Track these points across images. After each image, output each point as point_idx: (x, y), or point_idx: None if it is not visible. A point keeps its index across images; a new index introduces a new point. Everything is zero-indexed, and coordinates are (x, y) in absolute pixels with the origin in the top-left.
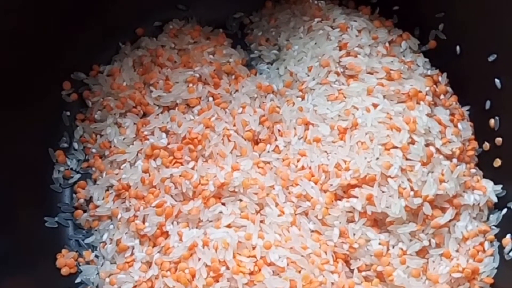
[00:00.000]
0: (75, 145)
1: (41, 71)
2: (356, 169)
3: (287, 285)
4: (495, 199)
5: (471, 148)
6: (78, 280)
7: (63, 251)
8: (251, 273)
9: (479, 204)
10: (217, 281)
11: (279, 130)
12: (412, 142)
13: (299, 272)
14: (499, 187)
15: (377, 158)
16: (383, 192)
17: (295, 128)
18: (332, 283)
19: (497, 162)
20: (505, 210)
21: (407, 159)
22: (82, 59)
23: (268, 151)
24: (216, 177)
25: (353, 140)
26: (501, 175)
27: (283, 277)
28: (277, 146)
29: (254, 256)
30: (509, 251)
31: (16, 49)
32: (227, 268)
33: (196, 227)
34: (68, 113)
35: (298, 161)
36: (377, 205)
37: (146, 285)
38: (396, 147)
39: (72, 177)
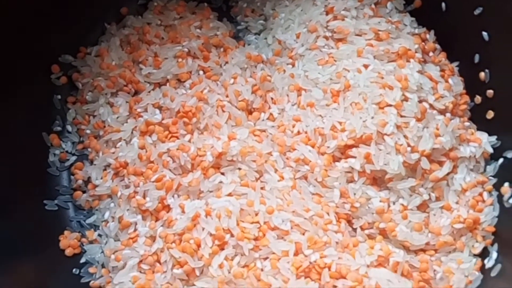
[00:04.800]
0: (69, 128)
1: (27, 56)
2: (352, 129)
3: (292, 247)
4: (490, 150)
5: (463, 102)
6: (83, 260)
7: (66, 232)
8: (256, 239)
9: (475, 155)
10: (223, 249)
11: (272, 98)
12: (405, 99)
13: (303, 234)
14: (493, 138)
15: (372, 117)
16: (380, 150)
17: (287, 95)
18: (337, 242)
19: (490, 114)
20: (501, 160)
21: (401, 116)
22: (69, 41)
23: (263, 120)
24: (213, 148)
25: (347, 102)
26: (495, 126)
27: (287, 240)
28: (271, 114)
29: (258, 222)
30: (509, 198)
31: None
32: (232, 235)
33: (197, 198)
34: (59, 97)
35: (293, 126)
36: (375, 163)
37: (152, 258)
38: (390, 105)
39: (68, 159)
